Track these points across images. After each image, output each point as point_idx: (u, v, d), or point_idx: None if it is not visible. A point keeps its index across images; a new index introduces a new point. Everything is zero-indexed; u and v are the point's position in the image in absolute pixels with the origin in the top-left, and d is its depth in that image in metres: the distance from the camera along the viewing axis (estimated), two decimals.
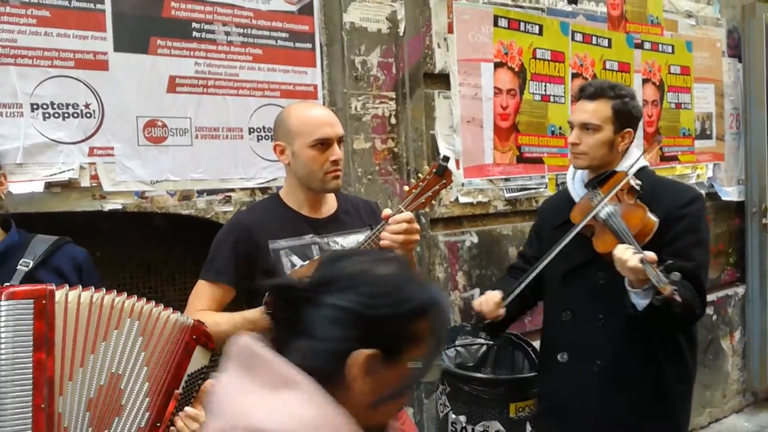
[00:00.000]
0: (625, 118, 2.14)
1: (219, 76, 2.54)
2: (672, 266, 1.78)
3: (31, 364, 1.37)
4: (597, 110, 2.11)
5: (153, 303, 1.57)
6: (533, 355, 2.82)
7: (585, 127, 2.13)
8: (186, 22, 2.45)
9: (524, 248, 2.51)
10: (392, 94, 3.01)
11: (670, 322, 1.95)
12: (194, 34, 2.47)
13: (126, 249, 2.56)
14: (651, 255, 1.81)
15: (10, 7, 2.11)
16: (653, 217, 1.98)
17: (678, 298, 1.72)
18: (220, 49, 2.54)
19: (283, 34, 2.70)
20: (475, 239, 3.34)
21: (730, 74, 4.67)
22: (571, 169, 2.30)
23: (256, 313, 1.82)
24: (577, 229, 2.04)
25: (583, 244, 2.07)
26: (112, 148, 2.31)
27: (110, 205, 2.33)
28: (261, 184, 2.68)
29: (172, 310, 1.58)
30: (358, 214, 1.99)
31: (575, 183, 2.25)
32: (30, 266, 1.57)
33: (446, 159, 1.84)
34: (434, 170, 1.84)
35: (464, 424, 2.73)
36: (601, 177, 2.16)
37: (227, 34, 2.55)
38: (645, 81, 4.08)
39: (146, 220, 2.56)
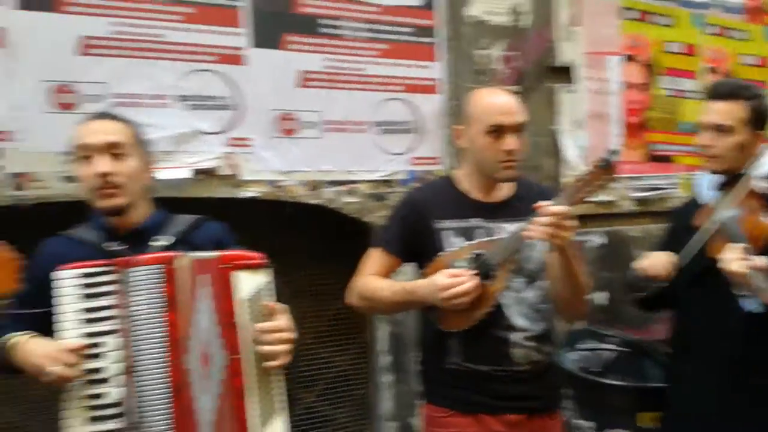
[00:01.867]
0: (760, 119, 2.03)
1: (346, 71, 2.62)
2: None
3: (163, 324, 1.47)
4: (731, 111, 1.99)
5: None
6: (664, 364, 2.65)
7: (718, 128, 2.01)
8: (313, 18, 2.56)
9: (659, 247, 2.38)
10: (514, 89, 2.97)
11: None
12: (321, 29, 2.57)
13: (258, 236, 2.67)
14: (762, 263, 1.70)
15: (160, 4, 2.29)
16: None
17: None
18: (346, 45, 2.62)
19: (407, 29, 2.75)
20: (602, 240, 3.21)
21: None
22: (701, 171, 2.19)
23: (414, 285, 1.87)
24: (705, 232, 1.94)
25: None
26: (249, 139, 2.44)
27: (247, 193, 2.46)
28: (384, 177, 2.73)
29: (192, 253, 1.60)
30: (532, 201, 1.94)
31: (704, 185, 2.14)
32: (165, 243, 1.63)
33: (614, 152, 1.77)
34: (599, 163, 1.78)
35: (592, 430, 2.61)
36: (729, 179, 2.04)
37: (354, 30, 2.64)
38: None
39: (276, 208, 2.66)
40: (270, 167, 2.50)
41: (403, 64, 2.74)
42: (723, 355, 2.02)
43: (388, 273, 1.97)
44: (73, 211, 2.21)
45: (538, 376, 1.90)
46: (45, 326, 1.54)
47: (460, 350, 1.89)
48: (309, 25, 2.54)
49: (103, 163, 1.58)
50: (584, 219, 3.21)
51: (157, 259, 1.51)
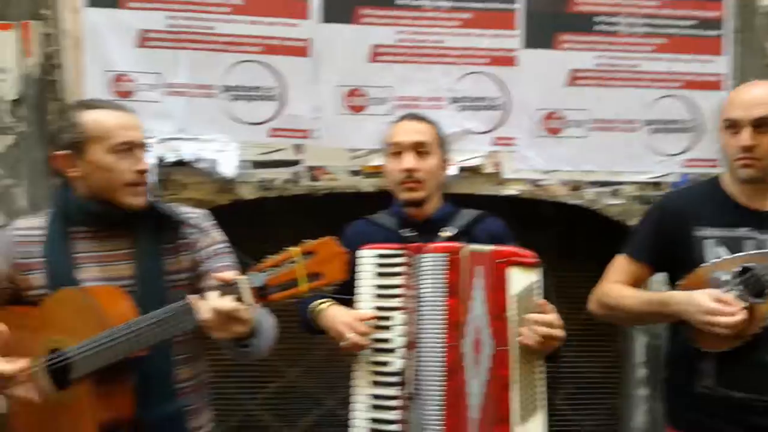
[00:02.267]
0: None
1: (619, 67, 2.53)
2: None
3: (444, 308, 1.59)
4: None
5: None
6: None
7: None
8: (588, 16, 2.50)
9: None
10: None
11: None
12: (595, 27, 2.51)
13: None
14: None
15: (441, 12, 2.43)
16: None
17: None
18: (621, 41, 2.53)
19: (689, 22, 2.55)
20: None
21: None
22: None
23: (668, 297, 1.74)
24: None
25: None
26: (514, 138, 2.50)
27: (508, 191, 2.53)
28: (652, 178, 2.59)
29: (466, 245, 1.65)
30: None
31: None
32: (452, 233, 1.79)
33: None
34: None
35: None
36: None
37: (630, 25, 2.53)
38: None
39: (535, 207, 2.68)
40: (532, 166, 2.53)
41: (682, 59, 2.56)
42: None
43: (634, 282, 1.84)
44: (356, 202, 2.50)
45: None
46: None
47: (714, 373, 1.70)
48: (584, 23, 2.49)
49: (409, 160, 1.77)
50: None
51: (444, 248, 1.63)
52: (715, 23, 2.57)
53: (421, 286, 1.62)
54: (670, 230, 1.79)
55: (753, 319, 1.63)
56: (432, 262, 1.62)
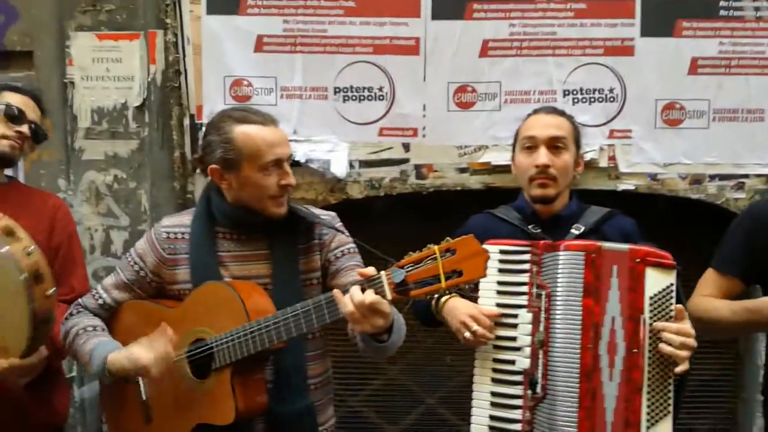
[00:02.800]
0: None
1: (744, 54, 2.39)
2: None
3: (580, 308, 1.55)
4: None
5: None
6: None
7: None
8: (713, 1, 2.37)
9: None
10: None
11: None
12: (721, 12, 2.37)
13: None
14: None
15: (554, 3, 2.37)
16: None
17: None
18: (747, 26, 2.38)
19: None
20: None
21: None
22: None
23: (758, 304, 1.69)
24: None
25: None
26: (630, 131, 2.40)
27: (624, 186, 2.44)
28: None
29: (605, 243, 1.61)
30: None
31: None
32: (581, 231, 1.75)
33: None
34: None
35: None
36: None
37: (756, 9, 2.37)
38: None
39: (653, 202, 2.58)
40: (650, 159, 2.43)
41: None
42: None
43: (726, 296, 1.78)
44: (462, 199, 2.48)
45: None
46: None
47: None
48: (707, 9, 2.36)
49: (544, 155, 1.74)
50: None
51: (581, 246, 1.59)
52: None
53: (556, 285, 1.58)
54: (763, 240, 1.72)
55: None
56: (568, 261, 1.58)
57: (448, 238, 1.32)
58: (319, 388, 1.68)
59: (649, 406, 1.54)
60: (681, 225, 2.64)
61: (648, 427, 1.53)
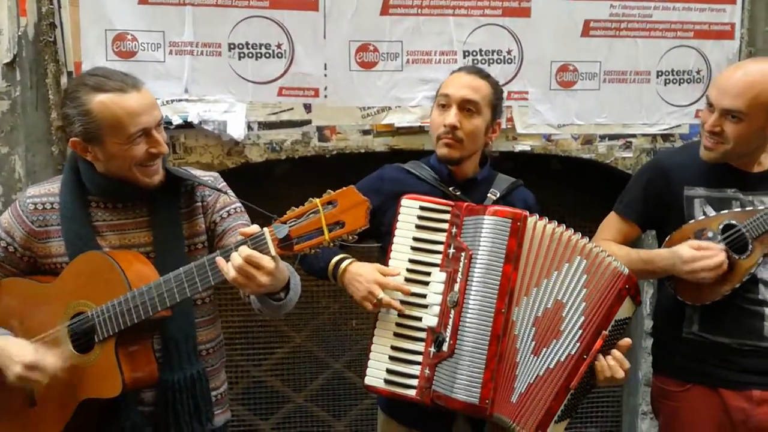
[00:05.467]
0: None
1: (632, 17, 2.48)
2: None
3: (500, 273, 1.56)
4: None
5: (600, 247, 1.65)
6: None
7: None
8: None
9: None
10: None
11: None
12: None
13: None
14: None
15: None
16: None
17: None
18: None
19: None
20: None
21: None
22: None
23: (653, 254, 1.80)
24: None
25: None
26: (526, 93, 2.45)
27: (521, 147, 2.49)
28: (663, 130, 2.57)
29: (613, 258, 1.65)
30: None
31: None
32: (497, 196, 1.78)
33: None
34: None
35: None
36: None
37: None
38: None
39: (546, 162, 2.66)
40: (544, 121, 2.49)
41: (694, 9, 2.51)
42: None
43: (624, 240, 1.89)
44: (366, 162, 2.44)
45: None
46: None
47: (698, 319, 1.79)
48: None
49: (453, 116, 1.72)
50: None
51: (508, 213, 1.58)
52: None
53: (478, 248, 1.57)
54: (660, 190, 1.83)
55: (735, 274, 1.71)
56: (493, 225, 1.57)
57: (329, 190, 1.32)
58: (211, 354, 1.64)
59: (564, 408, 1.60)
60: (574, 184, 2.76)
61: (554, 423, 1.60)
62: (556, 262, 1.59)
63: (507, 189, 1.79)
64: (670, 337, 1.87)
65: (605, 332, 1.58)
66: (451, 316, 1.57)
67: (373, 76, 2.36)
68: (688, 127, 2.58)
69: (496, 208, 1.61)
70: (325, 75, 2.34)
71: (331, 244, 1.31)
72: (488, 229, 1.57)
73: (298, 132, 2.38)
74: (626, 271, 1.63)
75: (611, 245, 1.89)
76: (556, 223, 1.61)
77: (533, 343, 1.57)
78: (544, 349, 1.58)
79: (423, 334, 1.60)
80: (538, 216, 1.61)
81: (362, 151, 2.43)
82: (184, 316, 1.53)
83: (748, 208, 1.74)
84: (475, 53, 2.40)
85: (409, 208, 1.65)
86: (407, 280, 1.63)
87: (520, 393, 1.56)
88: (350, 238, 1.31)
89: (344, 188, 1.32)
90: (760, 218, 1.69)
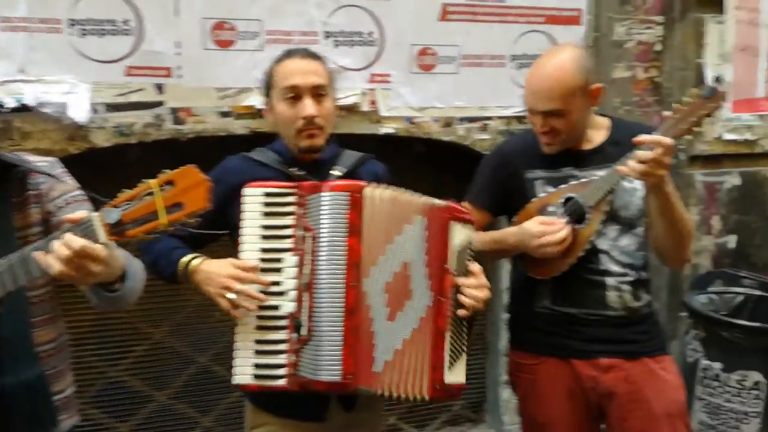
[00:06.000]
0: None
1: (487, 2, 2.55)
2: None
3: (345, 248, 1.54)
4: None
5: (433, 199, 1.67)
6: None
7: None
8: None
9: None
10: (660, 19, 2.81)
11: None
12: None
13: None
14: None
15: None
16: None
17: None
18: None
19: None
20: (737, 181, 3.08)
21: None
22: None
23: (503, 233, 1.88)
24: None
25: None
26: (389, 75, 2.46)
27: (385, 129, 2.50)
28: (518, 113, 2.68)
29: (438, 200, 1.67)
30: (629, 144, 1.88)
31: None
32: (340, 173, 1.72)
33: (718, 79, 1.67)
34: (701, 92, 1.68)
35: (718, 371, 2.62)
36: None
37: None
38: None
39: (410, 145, 2.69)
40: (407, 103, 2.52)
41: None
42: None
43: (478, 227, 1.91)
44: (226, 146, 2.34)
45: (636, 322, 1.88)
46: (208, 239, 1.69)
47: (549, 294, 1.89)
48: None
49: (310, 106, 1.66)
50: (720, 158, 3.08)
51: (345, 186, 1.57)
52: None
53: (320, 226, 1.54)
54: (505, 175, 1.92)
55: (577, 244, 1.81)
56: (332, 201, 1.55)
57: (165, 170, 1.21)
58: (53, 356, 1.48)
59: (450, 350, 1.62)
60: (438, 166, 2.82)
61: (449, 368, 1.62)
62: (399, 226, 1.60)
63: (354, 165, 1.76)
64: (524, 312, 1.95)
65: (447, 266, 1.61)
66: (305, 298, 1.54)
67: (231, 55, 2.26)
68: None
69: (333, 183, 1.59)
70: (178, 53, 2.21)
71: (170, 228, 1.22)
72: (327, 206, 1.54)
73: (150, 114, 2.23)
74: (443, 203, 1.65)
75: None
76: (395, 188, 1.62)
77: (387, 309, 1.58)
78: (400, 313, 1.59)
79: (284, 322, 1.56)
80: (376, 185, 1.61)
81: (222, 134, 2.32)
82: (16, 316, 1.37)
83: (583, 180, 1.85)
84: (336, 34, 2.37)
85: (253, 197, 1.59)
86: (262, 270, 1.57)
87: (386, 361, 1.56)
88: (191, 221, 1.22)
89: (182, 167, 1.21)
90: (594, 186, 1.80)
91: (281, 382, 1.55)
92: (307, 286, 1.54)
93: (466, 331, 1.68)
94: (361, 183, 1.58)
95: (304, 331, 1.54)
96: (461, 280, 1.62)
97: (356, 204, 1.55)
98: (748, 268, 3.08)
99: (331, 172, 1.72)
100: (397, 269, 1.58)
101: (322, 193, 1.55)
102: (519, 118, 2.69)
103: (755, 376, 2.55)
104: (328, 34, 2.35)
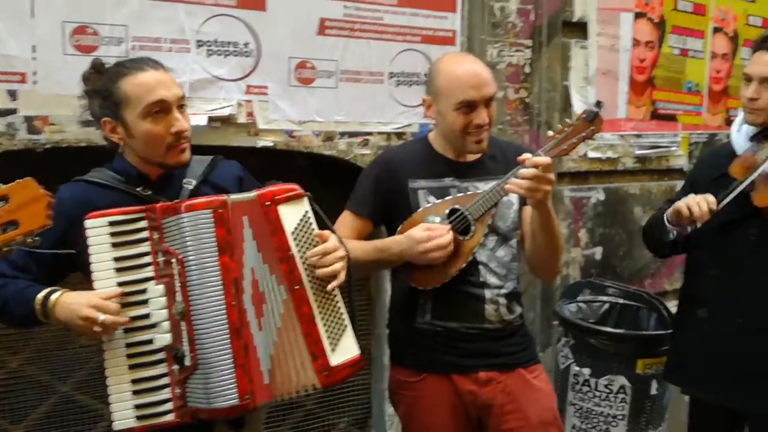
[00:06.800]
0: None
1: (365, 19, 2.57)
2: None
3: (218, 268, 1.47)
4: None
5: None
6: (664, 314, 2.77)
7: (766, 81, 1.99)
8: None
9: (677, 196, 2.33)
10: (528, 42, 2.96)
11: None
12: None
13: None
14: None
15: None
16: None
17: None
18: None
19: None
20: (602, 196, 3.28)
21: None
22: (737, 121, 2.20)
23: (388, 242, 1.87)
24: (748, 181, 1.96)
25: (737, 199, 1.99)
26: (266, 87, 2.41)
27: (263, 142, 2.44)
28: (397, 129, 2.72)
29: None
30: (505, 159, 1.94)
31: (740, 136, 2.14)
32: (193, 185, 1.62)
33: (599, 104, 1.78)
34: (584, 116, 1.78)
35: (587, 377, 2.74)
36: (765, 132, 2.05)
37: None
38: None
39: (291, 159, 2.65)
40: (286, 116, 2.48)
41: (421, 14, 2.69)
42: (739, 305, 2.06)
43: (359, 236, 1.95)
44: (88, 157, 2.19)
45: (511, 334, 1.94)
46: (62, 274, 1.57)
47: (430, 308, 1.90)
48: None
49: (179, 119, 1.55)
50: (585, 175, 3.27)
51: (205, 204, 1.49)
52: None
53: (187, 249, 1.46)
54: (388, 184, 1.93)
55: (461, 254, 1.84)
56: (194, 221, 1.47)
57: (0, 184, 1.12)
58: None
59: (327, 330, 1.56)
60: (321, 180, 2.79)
61: (333, 349, 1.56)
62: (240, 233, 1.53)
63: (204, 172, 1.67)
64: (405, 329, 1.95)
65: (290, 252, 1.54)
66: (183, 327, 1.47)
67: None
68: (418, 126, 2.76)
69: (191, 202, 1.50)
70: (34, 58, 2.05)
71: (5, 250, 1.11)
72: (190, 227, 1.47)
73: (2, 123, 2.05)
74: (251, 195, 1.56)
75: (348, 242, 1.89)
76: (254, 192, 1.56)
77: (257, 320, 1.53)
78: (263, 319, 1.53)
79: (161, 355, 1.48)
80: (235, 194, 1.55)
81: (83, 144, 2.17)
82: None
83: (468, 193, 1.89)
84: (210, 43, 2.29)
85: (97, 228, 1.47)
86: (123, 305, 1.46)
87: (269, 370, 1.52)
88: (28, 240, 1.12)
89: (20, 180, 1.12)
90: (480, 200, 1.84)
91: (169, 417, 1.47)
92: (182, 315, 1.47)
93: (344, 300, 1.63)
94: (221, 197, 1.51)
95: (188, 361, 1.46)
96: (312, 255, 1.56)
97: (221, 220, 1.48)
98: (613, 277, 3.28)
99: (183, 184, 1.62)
100: (251, 277, 1.53)
101: (182, 215, 1.47)
102: (398, 134, 2.72)
103: (621, 380, 2.69)
104: (200, 43, 2.27)
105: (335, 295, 1.60)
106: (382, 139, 2.70)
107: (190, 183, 1.62)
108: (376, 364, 3.03)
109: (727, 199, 1.97)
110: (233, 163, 1.77)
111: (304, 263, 1.56)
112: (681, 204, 1.98)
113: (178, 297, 1.47)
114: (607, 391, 2.72)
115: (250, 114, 2.39)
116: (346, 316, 1.61)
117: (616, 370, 2.69)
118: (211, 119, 2.29)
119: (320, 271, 1.56)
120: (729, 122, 3.61)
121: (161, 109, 1.54)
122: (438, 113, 1.88)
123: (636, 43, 3.25)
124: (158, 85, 1.54)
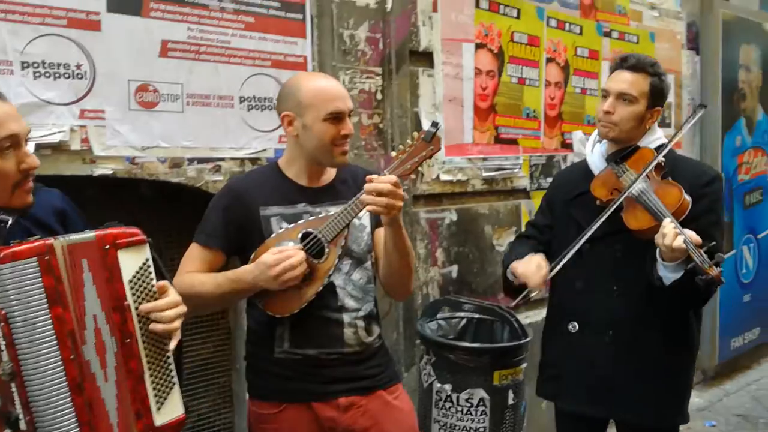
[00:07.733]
0: (659, 96, 2.16)
1: (211, 42, 2.50)
2: (714, 248, 1.85)
3: (50, 321, 1.33)
4: (636, 82, 2.11)
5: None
6: (516, 326, 2.89)
7: (621, 97, 2.12)
8: None
9: (536, 218, 2.49)
10: (379, 70, 3.03)
11: (692, 298, 2.02)
12: None
13: (114, 218, 2.50)
14: (695, 237, 1.86)
15: None
16: (688, 197, 2.01)
17: (723, 280, 1.81)
18: (212, 15, 2.50)
19: (275, 3, 2.68)
20: (454, 217, 3.40)
21: (689, 66, 4.88)
22: (590, 141, 2.32)
23: (239, 272, 1.82)
24: (617, 203, 2.06)
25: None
26: (103, 111, 2.26)
27: (100, 170, 2.28)
28: (251, 154, 2.66)
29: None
30: (356, 183, 1.96)
31: (594, 156, 2.26)
32: (9, 222, 1.43)
33: (435, 125, 1.85)
34: (422, 136, 1.84)
35: (449, 393, 2.79)
36: (624, 152, 2.17)
37: (219, 0, 2.52)
38: None
39: (135, 188, 2.50)
40: (126, 142, 2.33)
41: (270, 39, 2.67)
42: (607, 320, 2.16)
43: (211, 268, 1.89)
44: None
45: (370, 356, 1.95)
46: None
47: (288, 337, 1.88)
48: None
49: (28, 153, 1.40)
50: (440, 197, 3.39)
51: (29, 251, 1.33)
52: (299, 6, 2.75)
53: (11, 305, 1.30)
54: (239, 213, 1.89)
55: (316, 278, 1.83)
56: (16, 273, 1.31)
57: None
58: None
59: (155, 388, 1.46)
60: (165, 209, 2.65)
61: (159, 408, 1.46)
62: (80, 276, 1.41)
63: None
64: (263, 361, 1.90)
65: (127, 302, 1.44)
66: (14, 389, 1.31)
67: None
68: (273, 151, 2.71)
69: (12, 250, 1.33)
70: None
71: None
72: (12, 279, 1.31)
73: None
74: (90, 236, 1.43)
75: (197, 276, 1.84)
76: (93, 233, 1.44)
77: (102, 370, 1.41)
78: (107, 370, 1.41)
79: None
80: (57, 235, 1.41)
81: None
82: None
83: (321, 215, 1.88)
84: (36, 65, 2.11)
85: None
86: None
87: (117, 422, 1.41)
88: None
89: None
90: (332, 222, 1.83)
91: None
92: (11, 376, 1.31)
93: (174, 359, 1.53)
94: (47, 241, 1.36)
95: (23, 425, 1.31)
96: (148, 308, 1.46)
97: (48, 267, 1.34)
98: (469, 293, 3.40)
99: None
100: (93, 325, 1.40)
101: (1, 267, 1.30)
102: (253, 160, 2.66)
103: (480, 393, 2.77)
104: (25, 64, 2.09)
105: (166, 353, 1.50)
106: (236, 164, 2.63)
107: (5, 221, 1.43)
108: (239, 400, 2.90)
109: (567, 257, 2.10)
110: (53, 192, 1.61)
111: (138, 315, 1.45)
112: (519, 273, 2.10)
113: (5, 357, 1.31)
114: (468, 405, 2.78)
115: (85, 140, 2.23)
116: (175, 372, 1.53)
117: (474, 383, 2.76)
118: (39, 146, 2.10)
119: (155, 326, 1.46)
120: (564, 145, 3.93)
121: (11, 144, 1.39)
122: (303, 127, 1.87)
123: (478, 72, 3.43)
124: (8, 119, 1.39)
